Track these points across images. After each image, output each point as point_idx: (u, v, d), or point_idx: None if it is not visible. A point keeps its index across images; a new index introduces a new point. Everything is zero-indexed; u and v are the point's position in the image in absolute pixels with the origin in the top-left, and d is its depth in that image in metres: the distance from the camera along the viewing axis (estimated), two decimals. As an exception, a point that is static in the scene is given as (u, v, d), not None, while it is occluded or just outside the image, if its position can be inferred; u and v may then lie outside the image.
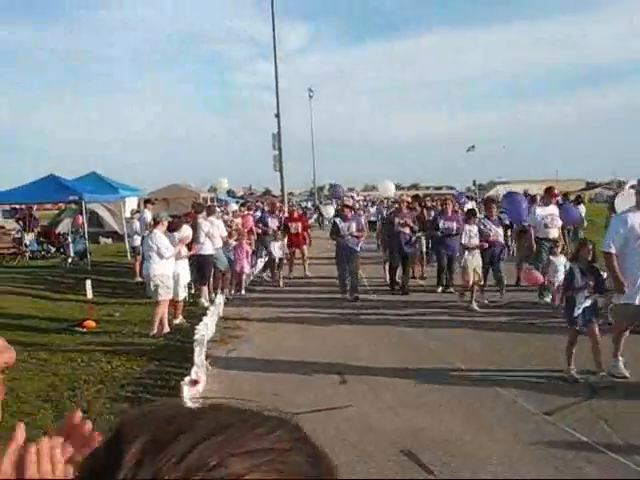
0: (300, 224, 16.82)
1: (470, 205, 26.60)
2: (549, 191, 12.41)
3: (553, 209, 12.10)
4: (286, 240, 16.55)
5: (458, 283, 12.41)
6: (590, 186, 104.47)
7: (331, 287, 13.71)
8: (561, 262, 10.38)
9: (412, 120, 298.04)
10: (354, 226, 13.06)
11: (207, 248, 12.00)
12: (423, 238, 15.54)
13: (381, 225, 16.72)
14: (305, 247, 16.78)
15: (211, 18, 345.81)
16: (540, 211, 11.97)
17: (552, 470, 4.83)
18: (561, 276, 9.64)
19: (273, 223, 16.78)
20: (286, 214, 18.97)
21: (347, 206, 13.88)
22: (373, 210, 31.64)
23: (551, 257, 10.88)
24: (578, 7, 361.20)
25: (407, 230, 13.37)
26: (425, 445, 5.34)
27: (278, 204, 19.62)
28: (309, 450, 0.60)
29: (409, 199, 15.74)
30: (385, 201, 45.40)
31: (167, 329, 9.83)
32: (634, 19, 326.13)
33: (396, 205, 15.61)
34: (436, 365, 7.71)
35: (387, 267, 14.20)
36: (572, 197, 22.53)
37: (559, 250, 10.91)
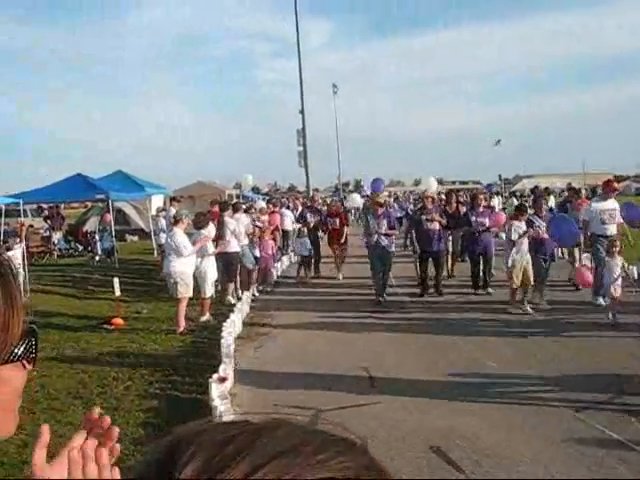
0: (338, 220, 15.69)
1: (497, 200, 26.36)
2: (608, 184, 11.35)
3: (612, 204, 10.93)
4: (326, 237, 16.19)
5: (498, 281, 12.21)
6: (618, 179, 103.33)
7: (358, 287, 13.54)
8: (617, 263, 9.53)
9: (432, 115, 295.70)
10: (385, 223, 12.13)
11: (233, 245, 12.00)
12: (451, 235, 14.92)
13: (408, 222, 15.63)
14: (343, 246, 15.70)
15: (233, 16, 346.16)
16: (597, 205, 10.97)
17: (585, 470, 4.77)
18: (616, 278, 9.32)
19: (314, 218, 16.30)
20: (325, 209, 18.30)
21: (379, 203, 12.71)
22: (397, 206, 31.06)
23: (607, 257, 9.82)
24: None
25: (437, 226, 12.60)
26: (455, 444, 5.31)
27: (319, 199, 19.31)
28: (376, 478, 0.56)
29: (434, 195, 15.02)
30: (410, 196, 44.97)
31: (184, 325, 9.84)
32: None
33: (421, 201, 14.88)
34: (467, 366, 7.61)
35: (418, 266, 13.32)
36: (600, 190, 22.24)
37: (617, 250, 9.69)
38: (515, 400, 6.31)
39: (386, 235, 12.10)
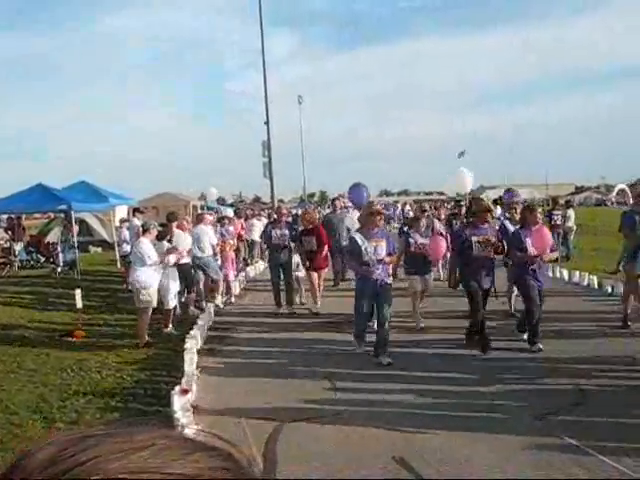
0: (315, 238, 12.21)
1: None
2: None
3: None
4: (299, 259, 12.70)
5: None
6: (579, 190, 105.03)
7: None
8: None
9: (400, 126, 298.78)
10: (384, 247, 8.55)
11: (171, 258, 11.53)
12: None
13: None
14: (324, 271, 12.74)
15: (198, 27, 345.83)
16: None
17: (543, 475, 4.84)
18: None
19: (279, 235, 12.49)
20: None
21: (377, 212, 8.87)
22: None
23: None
24: (568, 12, 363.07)
25: (490, 253, 8.81)
26: (418, 454, 5.33)
27: (285, 211, 14.15)
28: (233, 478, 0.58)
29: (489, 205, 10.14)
30: (406, 205, 43.47)
31: (146, 338, 9.74)
32: (622, 23, 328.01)
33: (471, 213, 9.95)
34: (430, 377, 7.66)
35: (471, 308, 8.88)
36: (562, 201, 22.63)
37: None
38: (477, 410, 6.35)
39: (384, 263, 8.64)
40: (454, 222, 14.30)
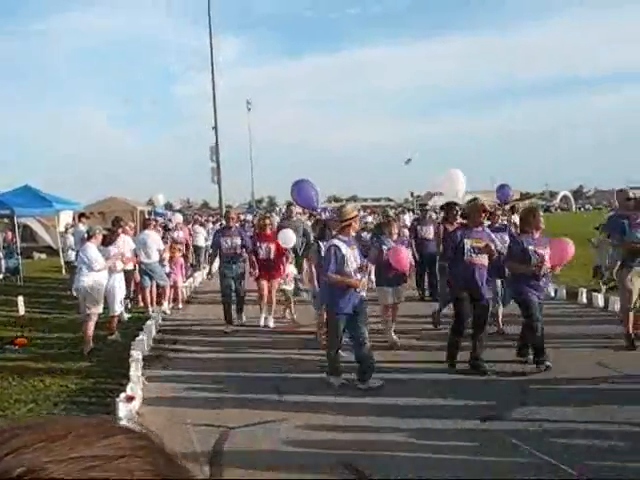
0: (274, 246, 11.31)
1: (407, 217, 26.82)
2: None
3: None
4: (250, 268, 11.54)
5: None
6: (524, 196, 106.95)
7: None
8: None
9: (350, 132, 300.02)
10: (357, 254, 7.67)
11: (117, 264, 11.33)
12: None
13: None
14: (278, 282, 11.56)
15: (145, 29, 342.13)
16: None
17: (490, 476, 4.91)
18: None
19: (230, 244, 11.26)
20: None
21: (351, 219, 7.63)
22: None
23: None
24: (511, 21, 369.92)
25: (485, 259, 8.00)
26: (365, 459, 5.33)
27: (234, 215, 12.61)
28: (152, 459, 0.59)
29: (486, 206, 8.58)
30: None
31: (91, 345, 9.58)
32: (569, 35, 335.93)
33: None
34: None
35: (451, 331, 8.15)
36: (507, 207, 22.94)
37: None
38: (424, 413, 6.40)
39: (362, 271, 7.69)
40: (419, 228, 13.55)
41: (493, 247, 7.97)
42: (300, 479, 4.93)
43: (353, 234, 7.95)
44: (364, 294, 7.67)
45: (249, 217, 44.93)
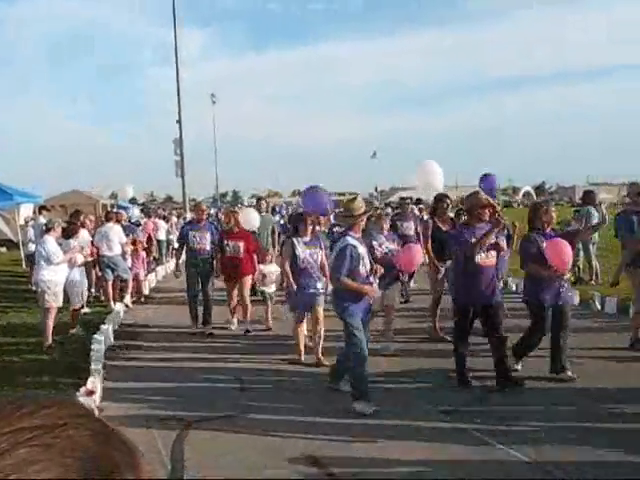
0: (243, 244, 10.33)
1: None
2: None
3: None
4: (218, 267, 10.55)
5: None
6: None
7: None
8: None
9: (316, 125, 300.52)
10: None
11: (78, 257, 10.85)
12: None
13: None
14: (249, 282, 10.59)
15: (111, 22, 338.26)
16: None
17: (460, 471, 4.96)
18: None
19: (199, 239, 10.50)
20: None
21: (365, 212, 6.92)
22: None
23: None
24: (476, 16, 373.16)
25: (494, 260, 7.26)
26: (329, 453, 5.35)
27: (205, 208, 11.66)
28: (91, 426, 0.61)
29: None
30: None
31: (51, 339, 9.45)
32: (525, 34, 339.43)
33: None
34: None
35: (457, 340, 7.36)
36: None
37: None
38: (387, 406, 6.41)
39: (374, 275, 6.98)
40: (399, 224, 12.08)
41: (501, 243, 7.38)
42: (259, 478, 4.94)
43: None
44: (372, 299, 6.82)
45: (212, 211, 44.75)
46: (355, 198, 6.91)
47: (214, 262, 10.56)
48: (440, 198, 9.94)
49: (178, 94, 30.13)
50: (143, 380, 7.69)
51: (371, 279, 6.67)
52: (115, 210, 16.53)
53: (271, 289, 10.59)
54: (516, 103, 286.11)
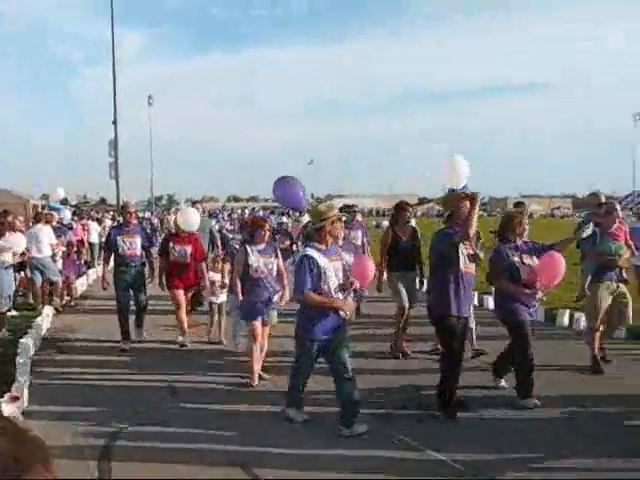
0: (190, 248, 9.63)
1: (305, 219, 26.75)
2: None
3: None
4: (149, 273, 10.01)
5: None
6: (422, 201, 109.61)
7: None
8: None
9: (254, 131, 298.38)
10: (339, 268, 6.08)
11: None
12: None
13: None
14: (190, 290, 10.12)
15: (45, 19, 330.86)
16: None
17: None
18: None
19: (129, 244, 9.53)
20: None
21: (339, 219, 6.31)
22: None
23: None
24: (407, 26, 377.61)
25: (473, 269, 6.70)
26: (259, 458, 5.33)
27: (134, 209, 10.54)
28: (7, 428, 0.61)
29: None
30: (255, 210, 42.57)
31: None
32: (461, 45, 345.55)
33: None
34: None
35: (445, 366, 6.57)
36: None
37: None
38: (320, 411, 6.40)
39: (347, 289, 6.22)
40: (346, 232, 9.85)
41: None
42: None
43: (339, 242, 6.74)
44: (347, 314, 6.11)
45: (147, 214, 44.23)
46: (320, 202, 6.18)
47: (145, 268, 9.86)
48: (402, 207, 9.35)
49: (114, 94, 29.80)
50: (70, 384, 7.55)
51: (340, 295, 5.95)
52: (46, 211, 16.14)
53: (220, 299, 9.75)
54: (446, 116, 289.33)
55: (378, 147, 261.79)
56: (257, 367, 7.54)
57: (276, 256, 7.70)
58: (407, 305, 8.80)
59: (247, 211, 40.72)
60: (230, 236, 14.59)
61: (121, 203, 29.28)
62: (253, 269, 7.46)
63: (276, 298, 7.60)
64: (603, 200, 8.45)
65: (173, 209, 32.81)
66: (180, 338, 9.64)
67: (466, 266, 6.38)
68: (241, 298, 7.57)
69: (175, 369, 8.18)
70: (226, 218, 35.28)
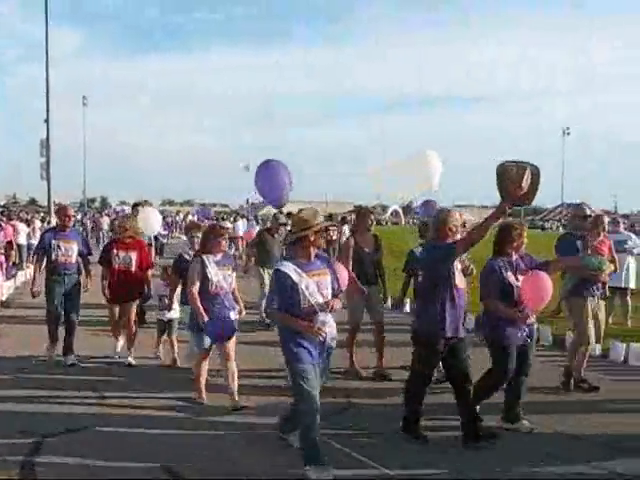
0: (136, 255, 8.90)
1: (241, 224, 26.67)
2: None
3: None
4: (87, 281, 9.14)
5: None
6: (357, 209, 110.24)
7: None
8: None
9: (190, 135, 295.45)
10: (328, 282, 5.28)
11: None
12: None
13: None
14: (136, 303, 9.18)
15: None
16: None
17: None
18: None
19: (64, 250, 8.72)
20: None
21: (325, 228, 5.84)
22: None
23: None
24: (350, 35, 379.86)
25: (463, 280, 6.15)
26: (187, 462, 5.28)
27: (72, 212, 9.97)
28: None
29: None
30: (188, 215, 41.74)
31: None
32: (401, 56, 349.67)
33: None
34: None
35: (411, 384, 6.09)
36: (339, 218, 23.46)
37: None
38: (256, 420, 6.37)
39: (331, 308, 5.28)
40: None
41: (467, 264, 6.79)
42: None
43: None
44: (330, 339, 5.20)
45: (79, 216, 43.39)
46: (302, 209, 5.48)
47: (80, 277, 8.99)
48: (364, 213, 8.72)
49: (47, 93, 29.17)
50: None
51: (321, 316, 5.08)
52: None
53: (174, 314, 8.83)
54: (388, 123, 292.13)
55: (316, 154, 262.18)
56: (203, 385, 7.01)
57: (234, 268, 7.04)
58: (360, 322, 8.32)
59: (190, 216, 39.63)
60: (164, 241, 14.40)
61: (52, 204, 28.77)
62: (213, 284, 6.69)
63: (234, 315, 6.85)
64: (589, 213, 8.07)
65: (105, 211, 32.28)
66: (119, 349, 9.03)
67: (459, 281, 5.89)
68: (206, 319, 6.61)
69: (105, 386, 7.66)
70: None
